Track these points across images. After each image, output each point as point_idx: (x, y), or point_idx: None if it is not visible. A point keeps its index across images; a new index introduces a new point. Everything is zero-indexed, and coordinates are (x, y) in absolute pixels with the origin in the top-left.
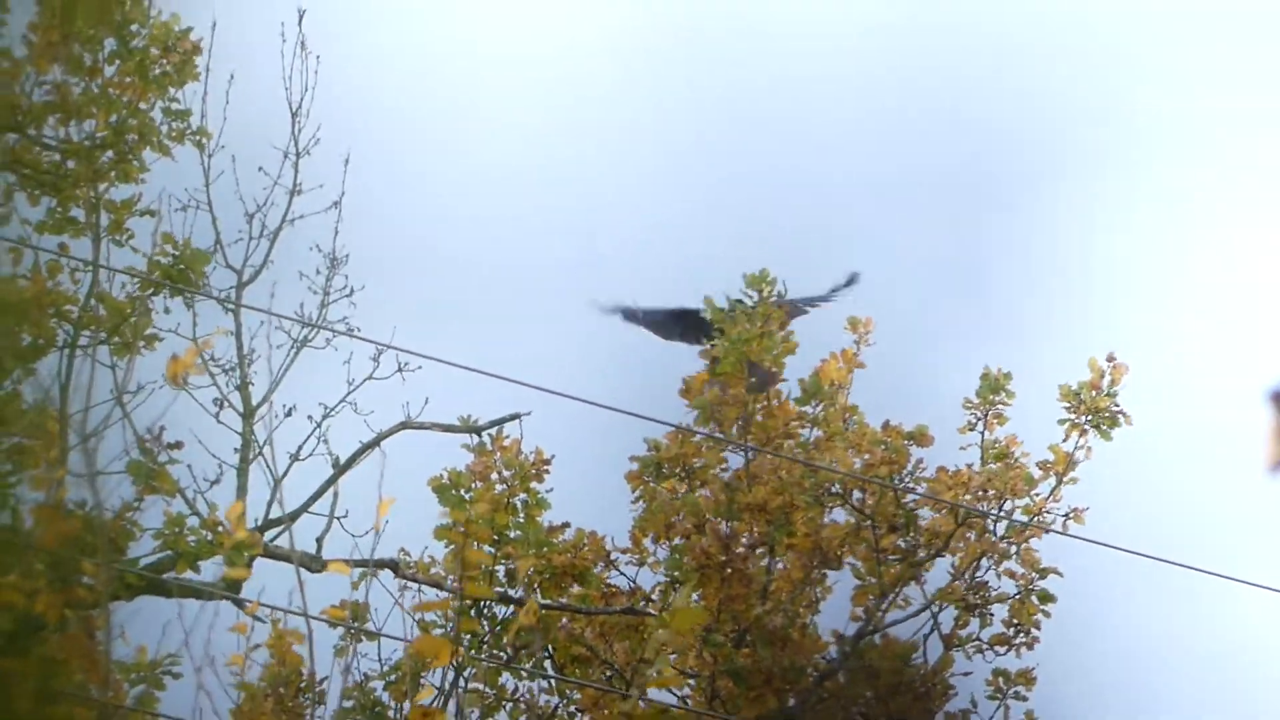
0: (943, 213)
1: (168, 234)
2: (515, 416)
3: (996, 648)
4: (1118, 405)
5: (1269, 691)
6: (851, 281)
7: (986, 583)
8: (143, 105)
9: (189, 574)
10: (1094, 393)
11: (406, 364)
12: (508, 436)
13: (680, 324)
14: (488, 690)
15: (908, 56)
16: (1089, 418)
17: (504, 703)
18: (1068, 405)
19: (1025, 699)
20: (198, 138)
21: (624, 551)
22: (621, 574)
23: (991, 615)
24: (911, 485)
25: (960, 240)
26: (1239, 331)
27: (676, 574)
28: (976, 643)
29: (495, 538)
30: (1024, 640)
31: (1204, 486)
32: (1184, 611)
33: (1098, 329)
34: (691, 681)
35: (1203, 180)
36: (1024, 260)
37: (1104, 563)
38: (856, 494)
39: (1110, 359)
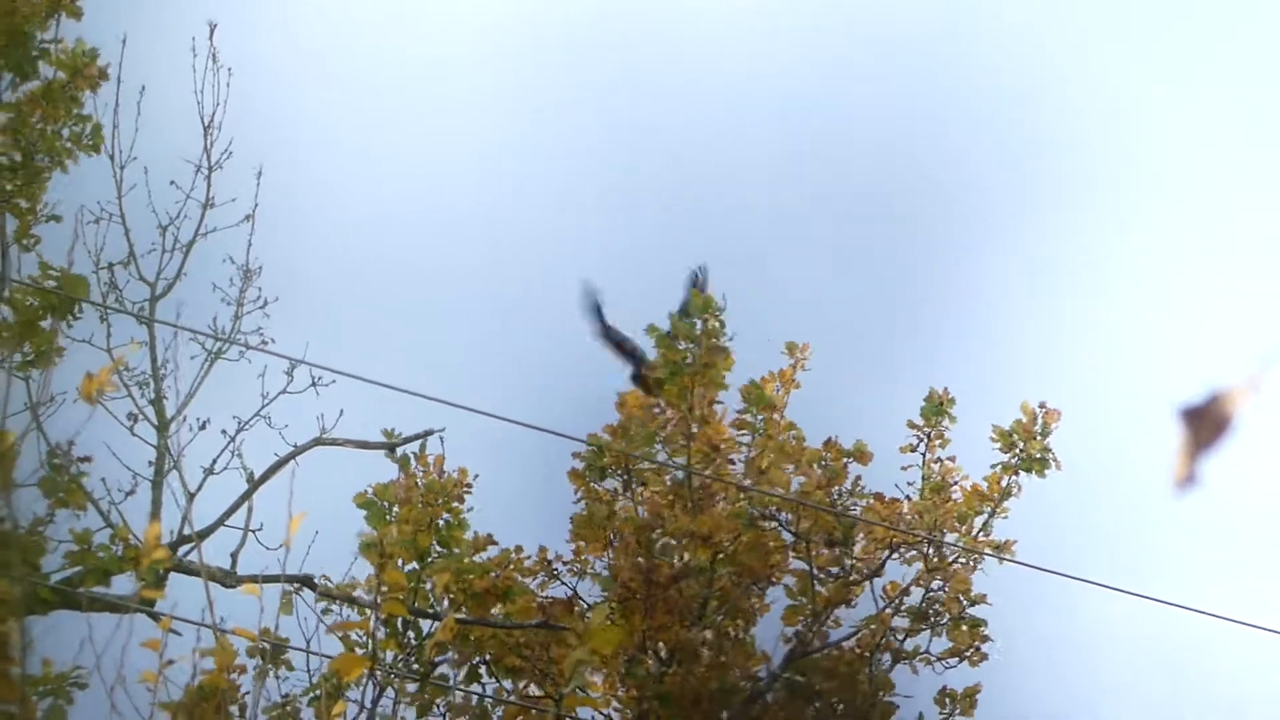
0: (879, 249)
1: (45, 263)
2: (430, 433)
3: (947, 660)
4: (1049, 449)
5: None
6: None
7: (938, 598)
8: (50, 129)
9: (103, 588)
10: (1026, 438)
11: (320, 378)
12: (430, 454)
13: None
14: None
15: (854, 86)
16: (1020, 459)
17: (435, 703)
18: (1000, 446)
19: (971, 715)
20: (92, 140)
21: (565, 562)
22: (564, 584)
23: (943, 628)
24: (848, 508)
25: (898, 277)
26: (1173, 369)
27: (608, 592)
28: (925, 656)
29: (418, 556)
30: (972, 653)
31: (1130, 517)
32: (1108, 633)
33: (1033, 367)
34: (615, 702)
35: (1142, 216)
36: (961, 298)
37: (1036, 592)
38: (789, 515)
39: (1042, 405)
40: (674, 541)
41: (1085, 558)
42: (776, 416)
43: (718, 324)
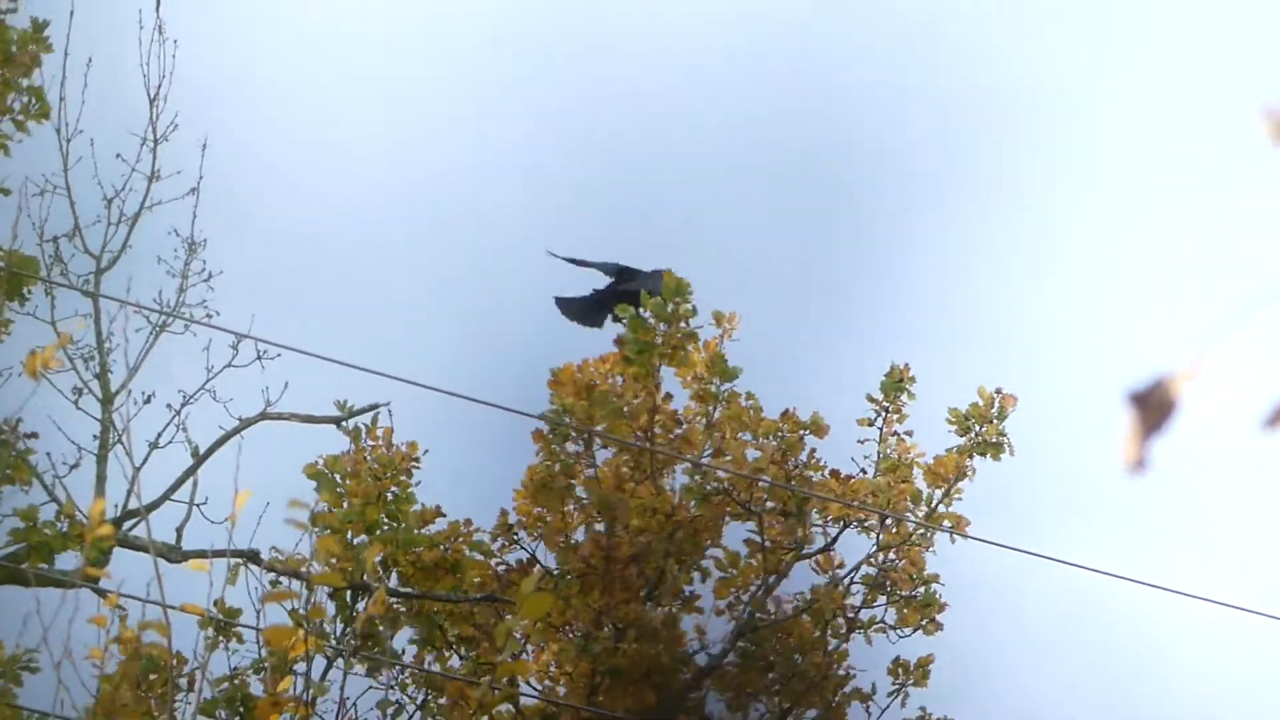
0: (824, 228)
1: None
2: (376, 407)
3: (902, 629)
4: (1004, 434)
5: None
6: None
7: (895, 565)
8: None
9: (46, 565)
10: (982, 422)
11: (265, 352)
12: (380, 427)
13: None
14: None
15: (813, 64)
16: (976, 443)
17: (376, 679)
18: (956, 429)
19: (924, 686)
20: (39, 108)
21: (525, 526)
22: (523, 548)
23: (901, 596)
24: (804, 480)
25: (845, 258)
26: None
27: (565, 566)
28: (880, 625)
29: (367, 529)
30: (927, 624)
31: (1076, 497)
32: (1056, 611)
33: (982, 348)
34: (566, 677)
35: (1091, 193)
36: (912, 281)
37: (990, 571)
38: (740, 490)
39: (998, 391)
40: (630, 513)
41: (1035, 540)
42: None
43: (689, 308)
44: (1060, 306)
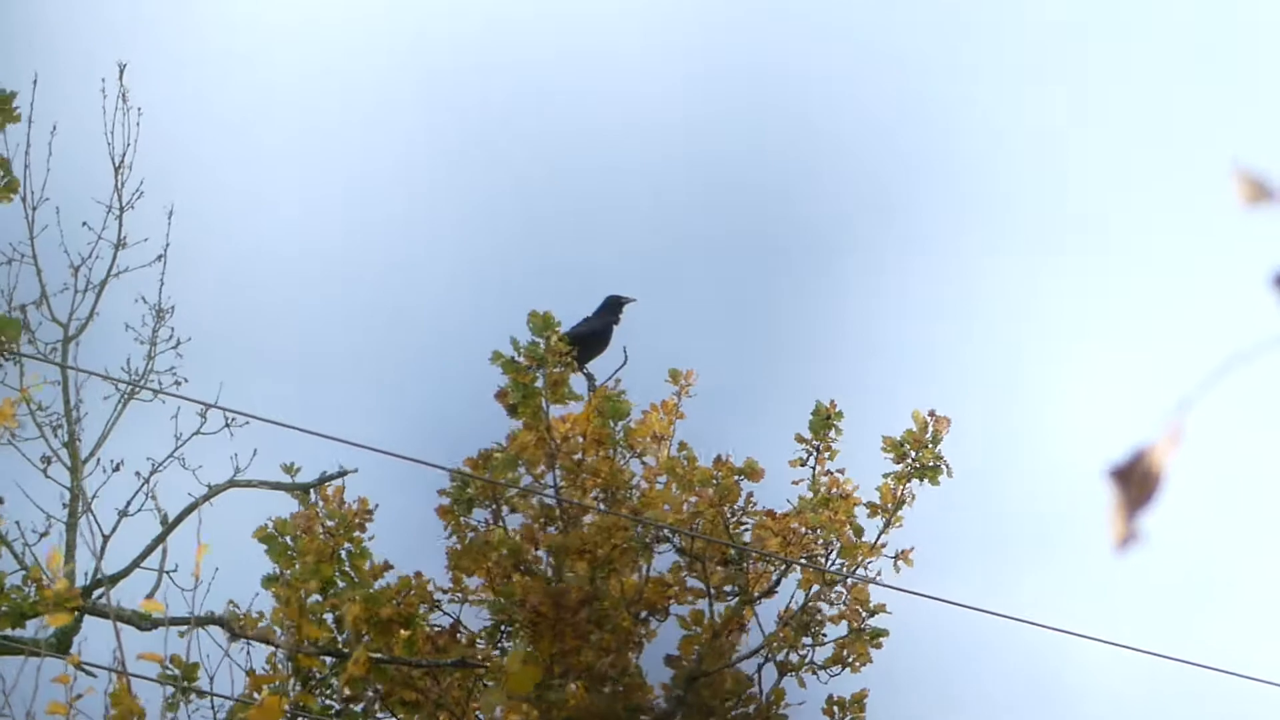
0: (759, 272)
1: None
2: (344, 473)
3: (831, 668)
4: (940, 456)
5: None
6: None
7: (820, 608)
8: None
9: (20, 630)
10: (918, 446)
11: (233, 420)
12: (330, 486)
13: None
14: None
15: (741, 107)
16: (914, 467)
17: None
18: (892, 457)
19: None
20: (5, 181)
21: (445, 591)
22: (446, 614)
23: (825, 636)
24: (741, 525)
25: (782, 299)
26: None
27: (500, 617)
28: (810, 666)
29: (321, 587)
30: (855, 659)
31: (1027, 534)
32: (997, 655)
33: (921, 383)
34: None
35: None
36: (843, 319)
37: (929, 605)
38: (681, 540)
39: (931, 414)
40: (548, 556)
41: (979, 562)
42: (663, 454)
43: (560, 341)
44: (1010, 353)
